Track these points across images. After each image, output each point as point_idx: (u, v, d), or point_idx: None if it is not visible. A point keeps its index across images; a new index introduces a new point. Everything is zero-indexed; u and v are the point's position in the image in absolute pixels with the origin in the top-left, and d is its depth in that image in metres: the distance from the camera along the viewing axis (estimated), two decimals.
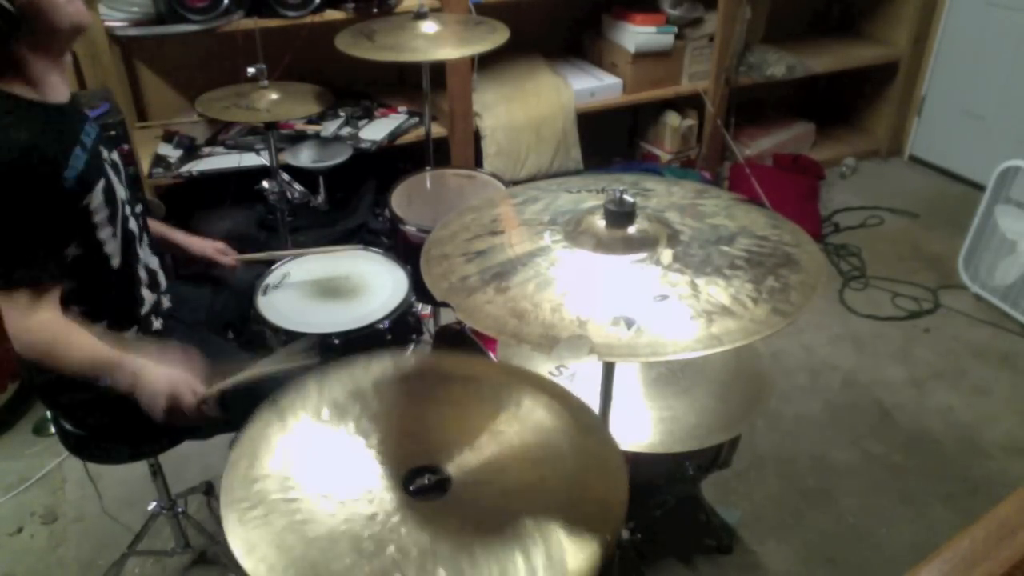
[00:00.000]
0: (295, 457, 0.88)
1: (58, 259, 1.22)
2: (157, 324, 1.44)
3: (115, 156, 1.36)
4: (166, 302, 1.48)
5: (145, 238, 1.44)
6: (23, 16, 1.13)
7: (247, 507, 0.81)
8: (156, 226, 1.58)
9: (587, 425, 0.96)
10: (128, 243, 1.35)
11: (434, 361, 1.09)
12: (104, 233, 1.28)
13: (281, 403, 0.95)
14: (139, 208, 1.42)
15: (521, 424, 0.94)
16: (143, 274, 1.41)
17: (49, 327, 1.19)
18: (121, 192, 1.33)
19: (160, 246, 1.58)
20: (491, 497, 0.86)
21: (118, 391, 1.21)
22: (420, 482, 0.87)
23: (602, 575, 0.77)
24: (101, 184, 1.26)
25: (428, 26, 2.05)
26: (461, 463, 0.89)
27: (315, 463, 0.88)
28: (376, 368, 1.01)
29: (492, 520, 0.82)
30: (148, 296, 1.42)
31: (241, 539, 0.77)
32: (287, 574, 0.75)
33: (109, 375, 1.20)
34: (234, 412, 1.46)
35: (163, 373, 1.21)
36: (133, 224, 1.38)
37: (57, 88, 1.25)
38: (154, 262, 1.46)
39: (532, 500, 0.85)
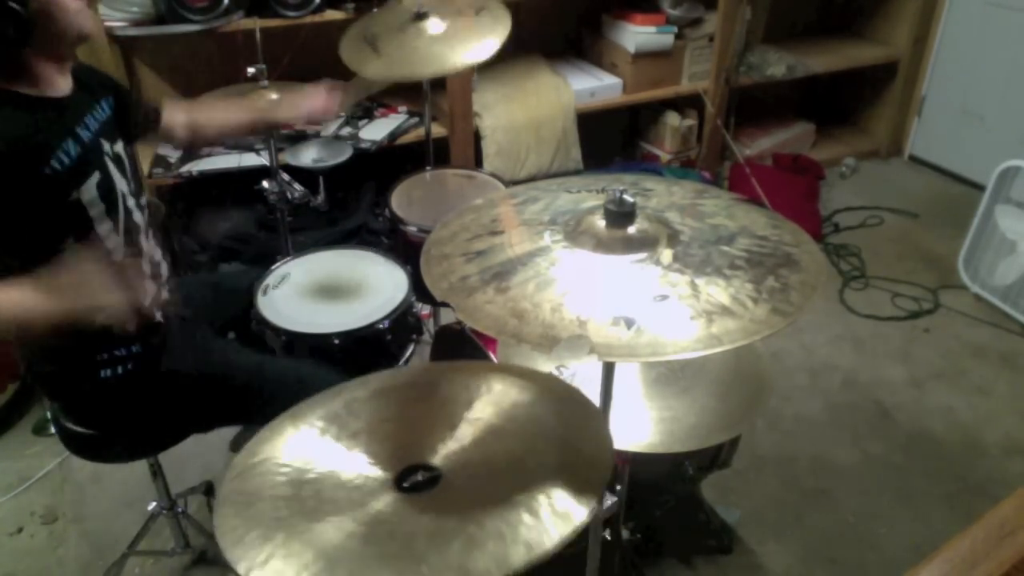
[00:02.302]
0: (287, 473, 0.88)
1: (54, 253, 1.20)
2: (159, 316, 1.44)
3: (118, 148, 1.34)
4: (165, 294, 1.48)
5: (149, 230, 1.43)
6: (33, 22, 1.14)
7: (243, 532, 0.80)
8: (239, 115, 1.69)
9: (558, 390, 1.00)
10: (132, 236, 1.35)
11: (401, 375, 1.10)
12: (103, 228, 1.27)
13: (261, 437, 0.95)
14: (143, 200, 1.41)
15: (496, 406, 0.97)
16: (146, 266, 1.41)
17: None
18: (122, 185, 1.32)
19: (259, 128, 1.76)
20: (483, 476, 0.88)
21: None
22: (414, 479, 0.87)
23: (603, 574, 0.77)
24: (95, 178, 1.25)
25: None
26: (448, 454, 0.90)
27: (307, 476, 0.88)
28: (346, 393, 1.02)
29: (490, 492, 0.84)
30: (151, 288, 1.42)
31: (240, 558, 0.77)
32: None
33: (48, 316, 1.10)
34: (237, 406, 1.47)
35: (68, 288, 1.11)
36: (138, 216, 1.37)
37: (55, 83, 1.24)
38: (157, 254, 1.46)
39: (523, 469, 0.87)
